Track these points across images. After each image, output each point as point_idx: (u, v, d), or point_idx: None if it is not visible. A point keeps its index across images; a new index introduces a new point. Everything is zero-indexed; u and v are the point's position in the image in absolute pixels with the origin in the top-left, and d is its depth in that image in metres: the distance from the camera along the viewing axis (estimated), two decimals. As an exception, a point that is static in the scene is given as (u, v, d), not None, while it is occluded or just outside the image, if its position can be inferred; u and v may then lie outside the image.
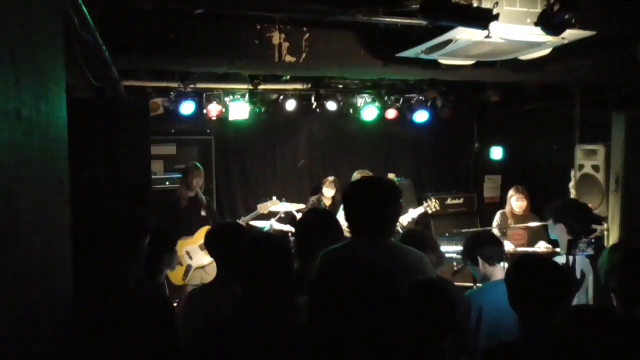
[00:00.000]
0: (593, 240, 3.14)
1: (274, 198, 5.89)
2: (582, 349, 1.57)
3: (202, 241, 5.31)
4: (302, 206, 6.20)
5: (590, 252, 3.13)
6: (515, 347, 2.06)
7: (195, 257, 5.30)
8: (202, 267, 5.35)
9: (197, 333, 2.58)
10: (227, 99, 6.28)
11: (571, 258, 3.13)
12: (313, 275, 2.07)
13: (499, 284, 2.96)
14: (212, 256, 3.03)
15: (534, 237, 5.25)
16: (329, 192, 6.52)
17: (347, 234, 5.90)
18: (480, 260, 3.05)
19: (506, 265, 3.19)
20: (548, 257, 2.91)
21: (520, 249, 5.01)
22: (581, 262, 3.23)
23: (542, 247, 4.90)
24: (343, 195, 2.66)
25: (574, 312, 1.72)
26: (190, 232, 5.36)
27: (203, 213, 5.51)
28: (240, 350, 1.93)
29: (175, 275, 5.28)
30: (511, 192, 5.61)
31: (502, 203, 5.95)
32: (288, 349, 1.87)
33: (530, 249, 4.99)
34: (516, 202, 5.50)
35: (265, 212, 5.77)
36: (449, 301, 2.09)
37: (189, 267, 5.26)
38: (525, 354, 2.01)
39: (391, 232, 2.52)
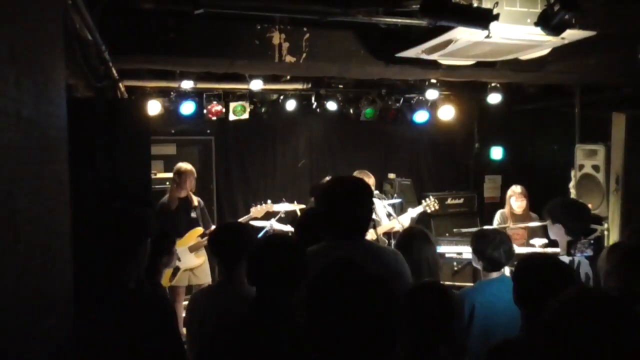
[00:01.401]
0: (592, 241, 3.12)
1: (269, 202, 5.86)
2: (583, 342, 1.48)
3: (191, 243, 5.31)
4: (302, 207, 6.18)
5: (590, 252, 3.11)
6: (520, 344, 2.07)
7: (184, 259, 5.25)
8: (190, 269, 5.31)
9: (206, 333, 2.58)
10: (227, 99, 6.29)
11: (575, 259, 3.11)
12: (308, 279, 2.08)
13: (493, 283, 2.97)
14: (216, 255, 3.03)
15: (533, 236, 5.25)
16: (328, 192, 6.50)
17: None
18: (478, 259, 3.05)
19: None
20: (555, 256, 2.89)
21: (520, 249, 4.99)
22: (581, 263, 3.23)
23: (537, 243, 4.83)
24: (316, 197, 2.56)
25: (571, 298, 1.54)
26: (179, 234, 5.27)
27: (193, 214, 5.44)
28: (255, 350, 1.94)
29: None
30: (510, 192, 5.60)
31: (502, 203, 5.95)
32: (291, 350, 1.87)
33: (529, 249, 4.95)
34: (515, 202, 5.50)
35: (259, 215, 5.72)
36: (448, 305, 2.08)
37: (176, 269, 5.21)
38: (529, 351, 2.02)
39: (367, 230, 2.49)
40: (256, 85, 5.73)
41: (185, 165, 5.48)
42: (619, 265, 2.29)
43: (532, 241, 4.87)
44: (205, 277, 5.39)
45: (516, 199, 5.50)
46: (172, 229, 5.20)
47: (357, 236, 2.39)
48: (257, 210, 5.68)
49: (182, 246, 5.23)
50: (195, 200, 5.48)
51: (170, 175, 6.32)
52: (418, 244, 2.97)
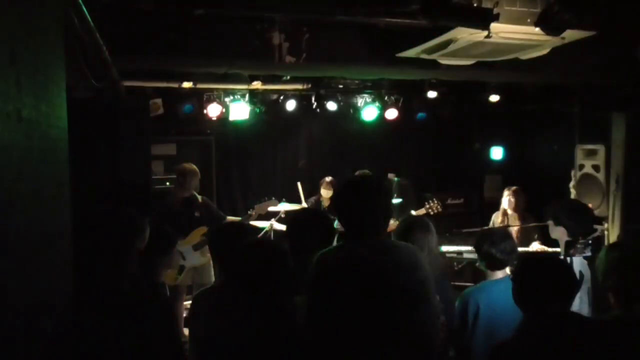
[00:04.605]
0: (590, 241, 3.12)
1: (273, 198, 5.85)
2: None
3: (195, 241, 5.31)
4: (303, 207, 6.17)
5: (588, 253, 3.10)
6: (518, 343, 2.07)
7: (188, 258, 5.26)
8: (195, 268, 5.32)
9: (201, 336, 2.58)
10: (227, 99, 6.28)
11: (568, 259, 3.11)
12: (310, 277, 2.08)
13: (498, 283, 2.97)
14: (217, 256, 3.02)
15: (525, 236, 5.21)
16: (326, 193, 6.48)
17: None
18: (479, 257, 3.05)
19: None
20: (556, 255, 2.89)
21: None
22: (579, 263, 3.22)
23: (534, 247, 4.81)
24: (334, 197, 2.54)
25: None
26: (183, 233, 5.29)
27: (196, 213, 5.44)
28: (245, 352, 1.94)
29: (168, 275, 5.24)
30: (504, 192, 5.61)
31: (501, 203, 5.94)
32: (291, 349, 1.88)
33: (523, 249, 4.91)
34: (504, 199, 5.49)
35: (263, 212, 5.71)
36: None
37: (181, 267, 5.22)
38: (528, 350, 2.02)
39: (385, 228, 2.44)
40: (256, 85, 5.72)
41: (188, 166, 5.50)
42: (617, 264, 2.28)
43: (530, 246, 4.83)
44: (208, 277, 5.38)
45: (505, 195, 5.48)
46: (176, 229, 5.19)
47: (372, 235, 2.34)
48: (260, 207, 5.66)
49: (186, 245, 5.25)
50: (200, 198, 5.49)
51: (170, 175, 6.32)
52: (418, 233, 2.91)
